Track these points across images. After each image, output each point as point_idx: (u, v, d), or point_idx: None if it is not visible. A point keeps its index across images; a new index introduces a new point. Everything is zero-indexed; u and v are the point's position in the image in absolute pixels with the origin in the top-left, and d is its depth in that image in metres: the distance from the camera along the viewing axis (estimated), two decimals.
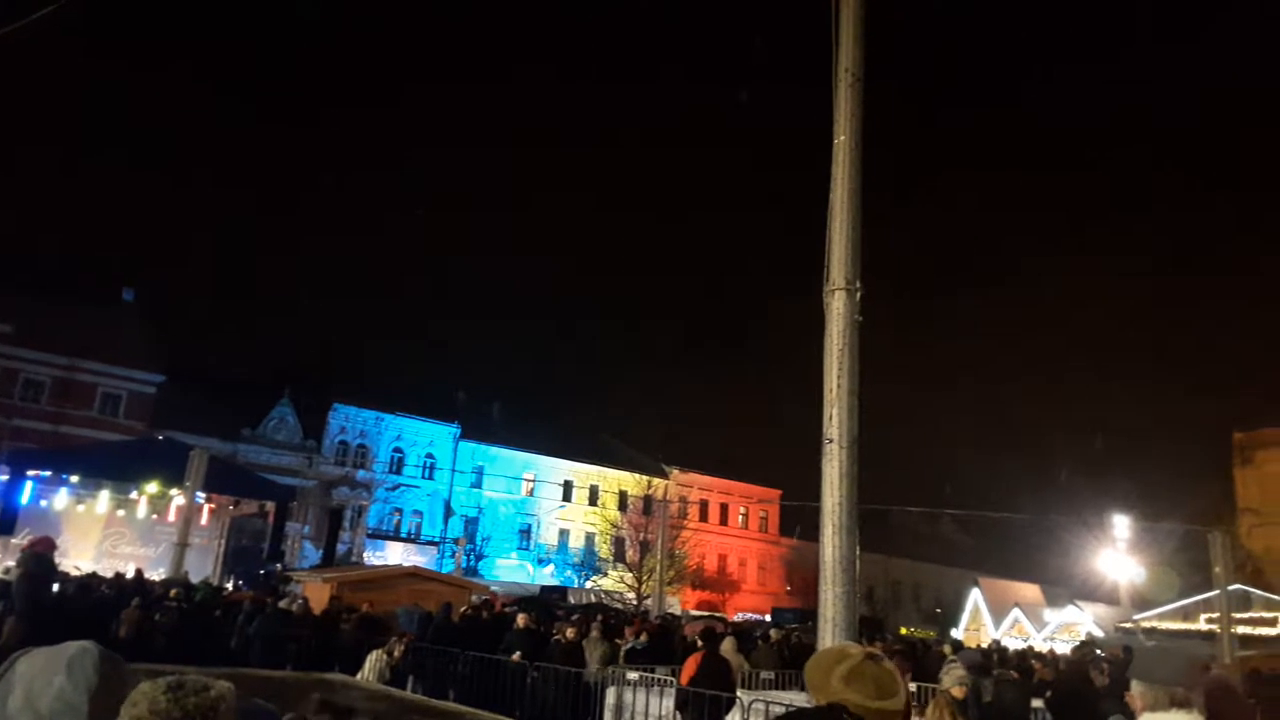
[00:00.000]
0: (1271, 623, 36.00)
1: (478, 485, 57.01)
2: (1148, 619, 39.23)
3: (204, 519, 28.57)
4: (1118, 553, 41.76)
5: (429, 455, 55.95)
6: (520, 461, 58.60)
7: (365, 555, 48.86)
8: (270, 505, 29.92)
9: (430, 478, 55.74)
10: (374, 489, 53.48)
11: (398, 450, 55.20)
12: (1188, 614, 37.71)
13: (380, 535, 52.48)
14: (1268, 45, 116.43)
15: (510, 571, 53.48)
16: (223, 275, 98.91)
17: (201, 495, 26.04)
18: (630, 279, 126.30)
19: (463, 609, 17.55)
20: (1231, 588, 29.91)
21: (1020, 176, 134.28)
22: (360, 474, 53.39)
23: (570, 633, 13.41)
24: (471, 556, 52.57)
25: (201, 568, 26.64)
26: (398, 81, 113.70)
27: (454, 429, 56.35)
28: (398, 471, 54.94)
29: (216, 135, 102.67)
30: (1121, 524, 41.15)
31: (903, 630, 49.86)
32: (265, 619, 15.08)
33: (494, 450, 57.59)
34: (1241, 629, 32.05)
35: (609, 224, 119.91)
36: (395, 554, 50.25)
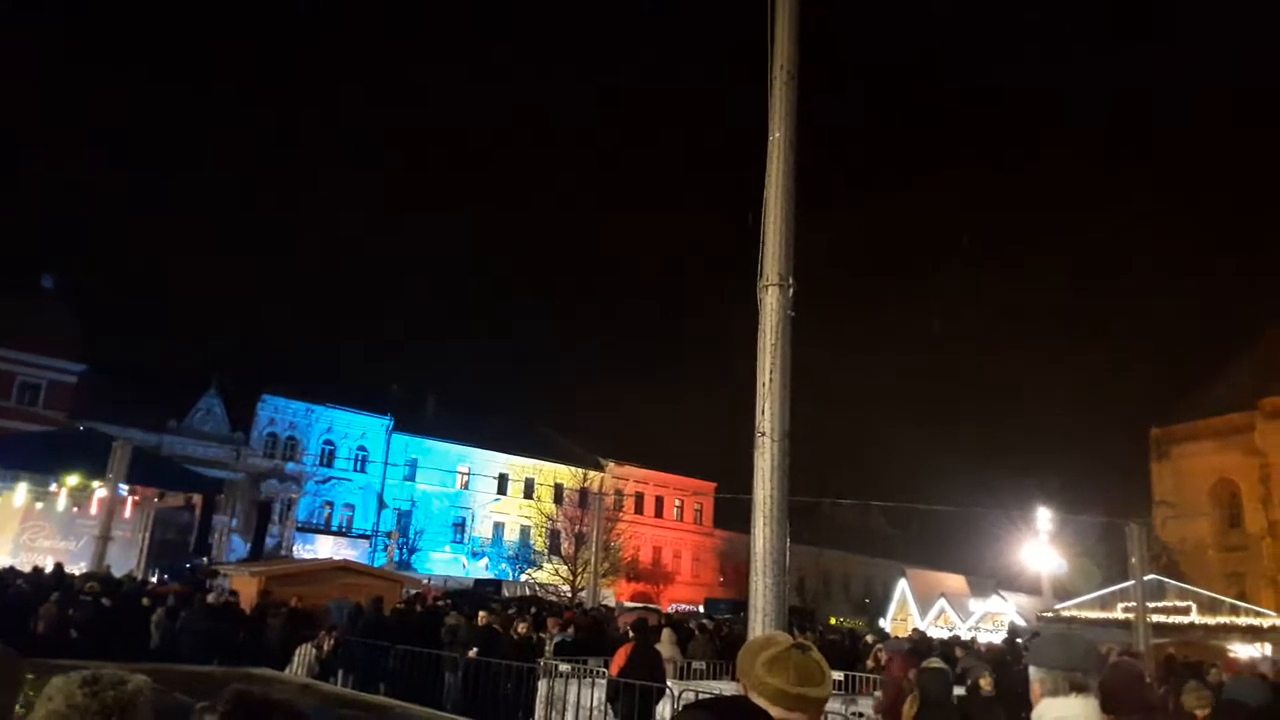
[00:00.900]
0: (1184, 611, 37.36)
1: (411, 478, 56.40)
2: (1068, 608, 40.42)
3: (127, 512, 27.77)
4: (1040, 544, 42.99)
5: (361, 448, 55.18)
6: (455, 454, 58.12)
7: (295, 549, 48.06)
8: (196, 498, 29.26)
9: (362, 470, 54.99)
10: (304, 482, 52.59)
11: (329, 443, 54.33)
12: (1105, 603, 38.94)
13: (310, 529, 51.65)
14: (1179, 45, 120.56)
15: (444, 565, 53.06)
16: (149, 263, 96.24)
17: (124, 488, 25.36)
18: (568, 274, 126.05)
19: (395, 603, 17.40)
20: (1147, 578, 30.97)
21: (946, 177, 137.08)
22: (290, 466, 52.44)
23: (522, 628, 13.32)
24: (404, 550, 52.02)
25: (124, 562, 25.92)
26: (328, 70, 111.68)
27: (387, 421, 55.65)
28: (329, 464, 54.08)
29: (144, 122, 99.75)
30: (1044, 517, 42.36)
31: (833, 620, 50.75)
32: (191, 614, 14.78)
33: (428, 443, 57.02)
34: (1156, 618, 33.19)
35: (547, 219, 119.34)
36: (326, 548, 49.55)
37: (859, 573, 72.25)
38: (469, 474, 58.75)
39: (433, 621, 15.40)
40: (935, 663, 7.24)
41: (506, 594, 36.61)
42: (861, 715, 10.55)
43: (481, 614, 14.44)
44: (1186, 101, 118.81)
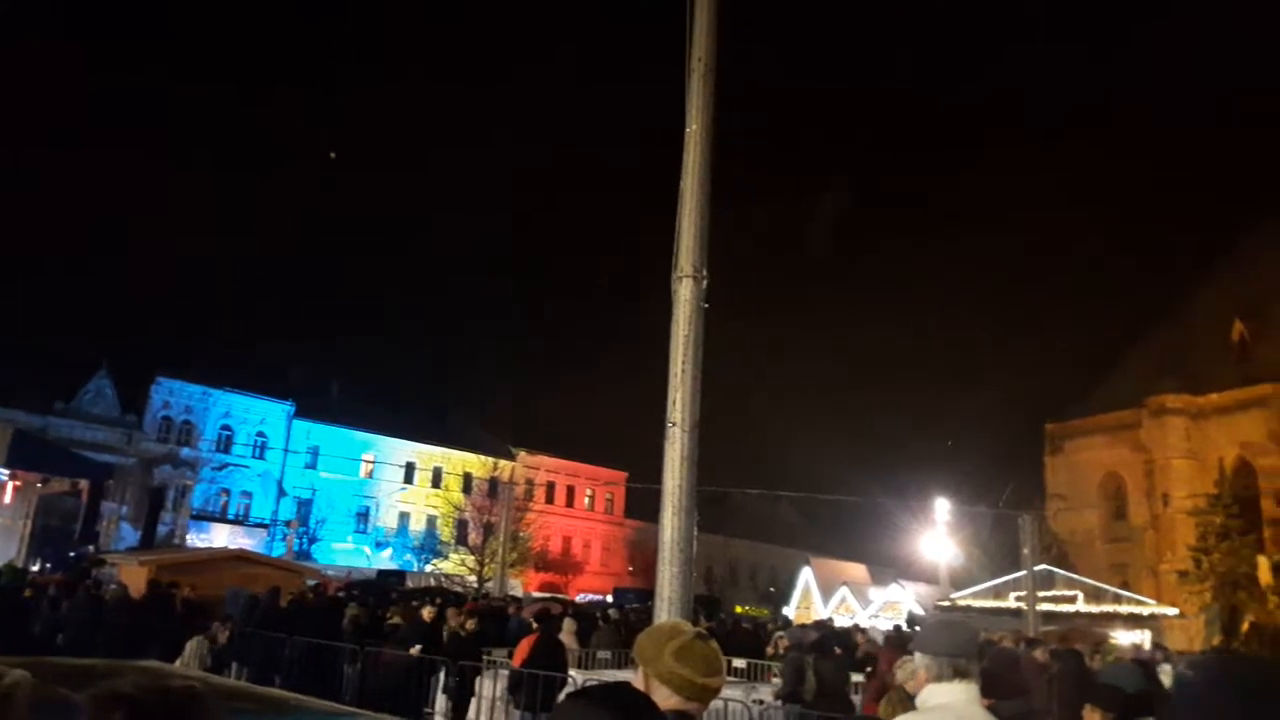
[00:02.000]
0: (1071, 600, 39.03)
1: (312, 466, 55.11)
2: (963, 597, 41.80)
3: (7, 497, 26.47)
4: (938, 535, 44.32)
5: (260, 434, 53.66)
6: (359, 441, 56.99)
7: (188, 538, 46.51)
8: (84, 483, 28.01)
9: (261, 457, 53.48)
10: (199, 468, 50.89)
11: (226, 428, 52.68)
12: (999, 593, 40.37)
13: (205, 517, 50.05)
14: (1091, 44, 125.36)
15: (346, 555, 52.02)
16: (32, 235, 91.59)
17: (4, 472, 24.19)
18: (481, 261, 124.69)
19: (292, 594, 16.94)
20: (1038, 568, 32.26)
21: (860, 177, 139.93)
22: (185, 452, 50.69)
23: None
24: (304, 539, 50.85)
25: (4, 550, 24.71)
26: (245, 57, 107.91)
27: (288, 407, 54.21)
28: (226, 450, 52.45)
29: (32, 90, 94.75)
30: (942, 507, 43.66)
31: (738, 609, 51.44)
32: (74, 604, 14.14)
33: (331, 429, 55.76)
34: (1045, 606, 34.60)
35: (458, 207, 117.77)
36: (221, 537, 48.07)
37: (765, 561, 73.43)
38: (374, 462, 57.68)
39: (332, 613, 15.05)
40: None
41: (411, 584, 36.14)
42: (762, 703, 10.66)
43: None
44: (1094, 106, 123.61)
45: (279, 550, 46.40)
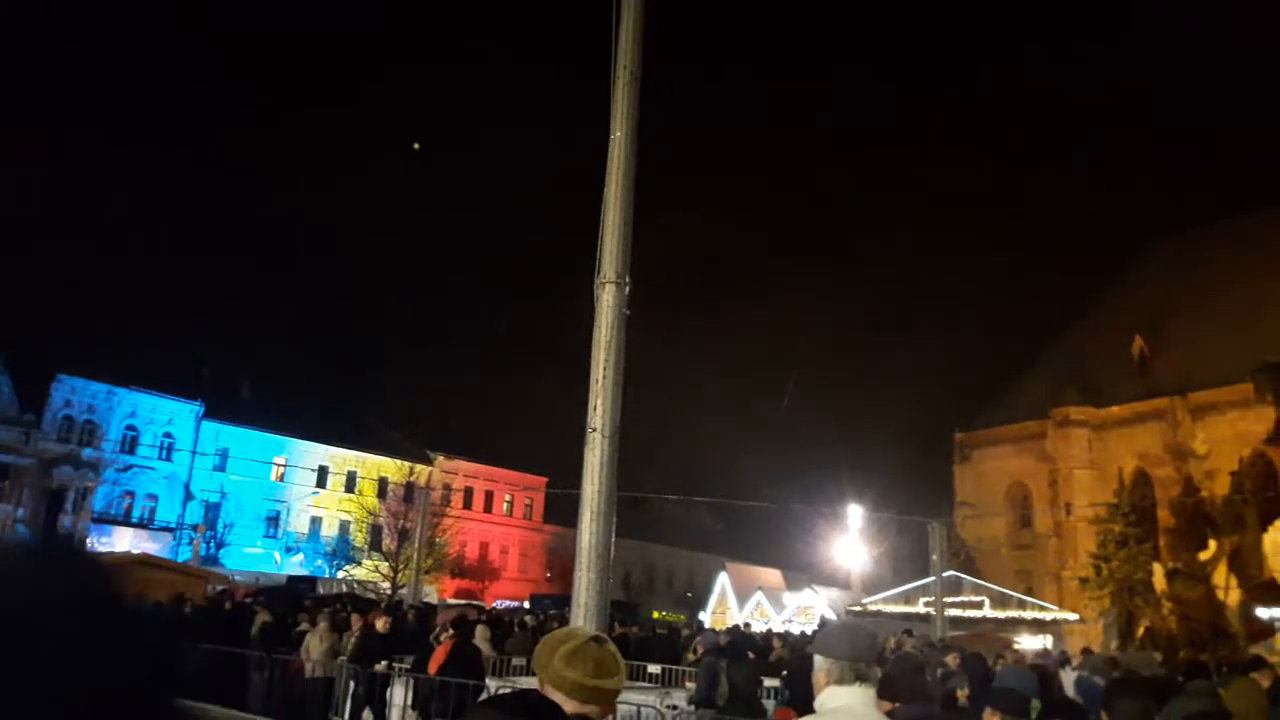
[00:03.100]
0: (978, 605, 40.15)
1: (221, 468, 53.48)
2: (874, 602, 42.65)
3: None
4: (851, 540, 45.16)
5: (167, 434, 51.88)
6: (271, 444, 55.50)
7: (89, 541, 44.67)
8: None
9: (168, 459, 51.71)
10: (102, 469, 48.93)
11: (131, 428, 50.79)
12: (908, 598, 41.31)
13: (108, 520, 48.17)
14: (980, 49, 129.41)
15: (255, 560, 50.61)
16: None
17: None
18: (403, 261, 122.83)
19: (199, 600, 16.43)
20: (946, 574, 33.11)
21: (772, 195, 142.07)
22: (87, 453, 48.67)
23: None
24: (212, 544, 49.30)
25: None
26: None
27: (196, 407, 52.53)
28: (131, 451, 50.56)
29: None
30: (855, 514, 44.51)
31: (655, 614, 51.63)
32: None
33: (241, 431, 54.22)
34: (953, 612, 35.53)
35: (382, 206, 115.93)
36: (124, 540, 46.33)
37: (683, 567, 73.75)
38: (286, 465, 56.25)
39: (239, 619, 14.64)
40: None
41: (322, 591, 35.38)
42: (675, 708, 10.70)
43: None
44: (1004, 121, 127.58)
45: (185, 555, 44.93)
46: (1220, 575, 36.06)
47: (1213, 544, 37.50)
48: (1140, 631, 36.90)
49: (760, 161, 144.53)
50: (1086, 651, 15.87)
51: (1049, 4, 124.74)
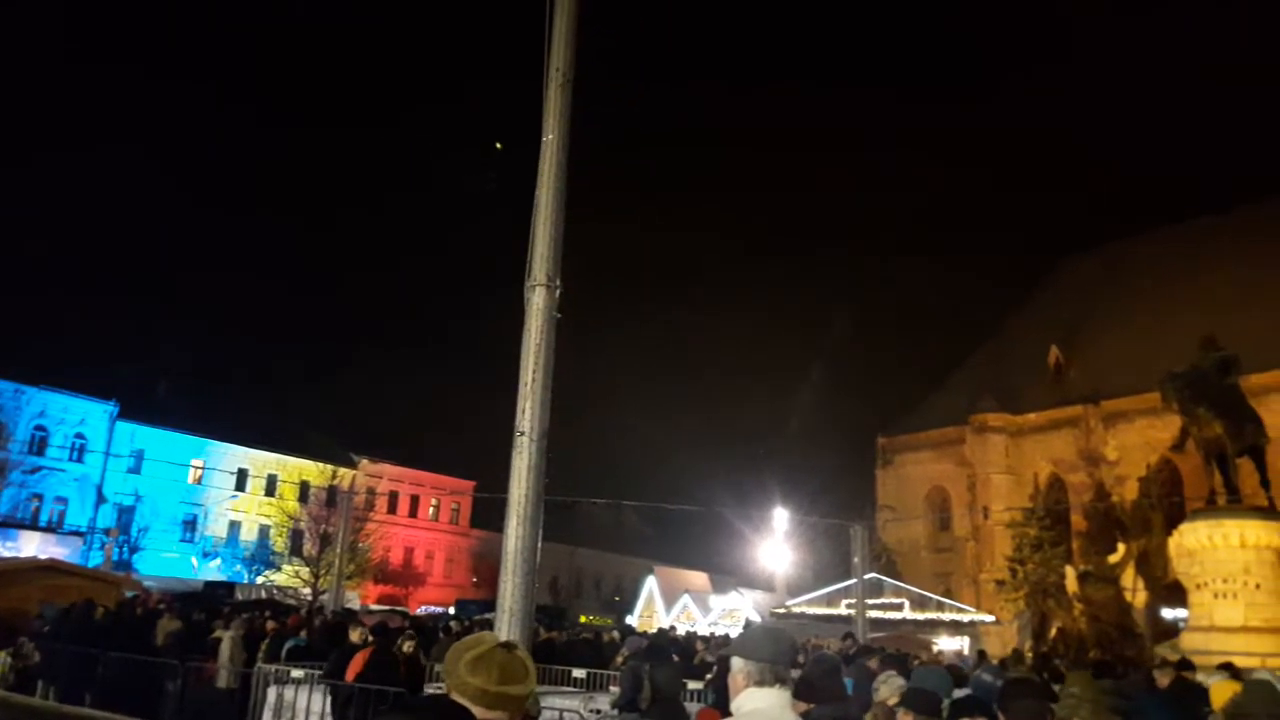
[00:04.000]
0: (898, 608, 40.91)
1: (136, 470, 51.80)
2: (798, 604, 43.18)
3: None
4: (776, 543, 45.67)
5: (79, 435, 50.06)
6: (188, 445, 53.94)
7: None
8: None
9: (79, 460, 49.90)
10: (8, 471, 46.92)
11: (41, 428, 48.86)
12: (831, 600, 41.92)
13: (13, 524, 46.24)
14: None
15: (171, 566, 49.13)
16: None
17: None
18: (329, 261, 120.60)
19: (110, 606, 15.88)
20: (867, 576, 33.68)
21: (711, 199, 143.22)
22: None
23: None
24: (124, 549, 47.71)
25: None
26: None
27: (110, 407, 50.79)
28: (39, 452, 48.63)
29: None
30: (780, 517, 45.03)
31: (583, 618, 51.53)
32: None
33: (157, 432, 52.57)
34: (874, 614, 36.15)
35: (299, 207, 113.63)
36: (31, 545, 44.54)
37: (611, 571, 73.74)
38: (204, 468, 54.72)
39: (152, 626, 14.21)
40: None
41: (240, 597, 34.50)
42: (599, 712, 10.70)
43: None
44: (930, 132, 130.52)
45: (96, 560, 43.42)
46: (1128, 577, 37.31)
47: (1121, 547, 38.75)
48: (1053, 633, 37.96)
49: (688, 167, 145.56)
50: (982, 654, 16.33)
51: (975, 26, 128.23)
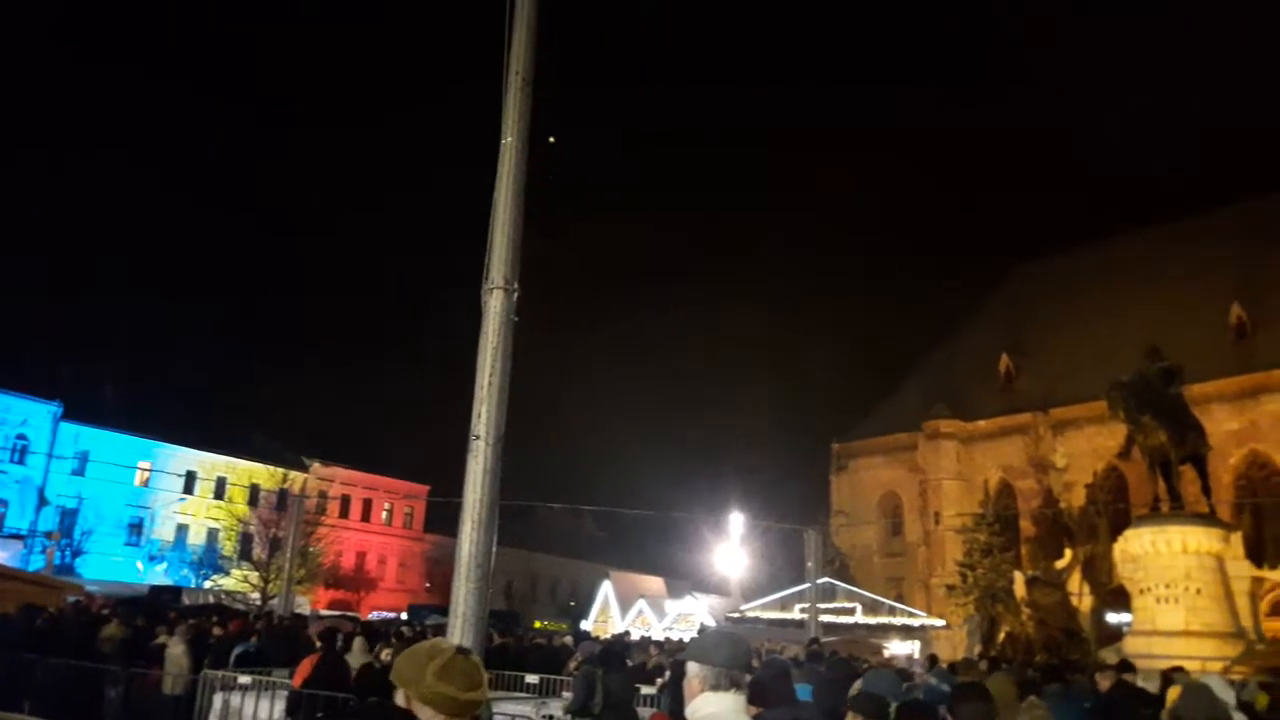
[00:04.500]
0: (851, 612, 41.26)
1: (80, 472, 50.65)
2: (752, 609, 43.38)
3: None
4: (731, 548, 45.85)
5: (21, 436, 48.80)
6: (135, 447, 52.82)
7: None
8: None
9: (21, 462, 48.65)
10: None
11: None
12: (785, 604, 42.17)
13: None
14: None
15: (116, 570, 48.05)
16: None
17: None
18: (286, 260, 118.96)
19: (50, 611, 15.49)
20: (820, 581, 33.93)
21: (670, 200, 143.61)
22: None
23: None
24: (67, 553, 46.59)
25: None
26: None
27: (54, 407, 49.60)
28: None
29: None
30: (735, 522, 45.21)
31: (537, 623, 51.29)
32: None
33: (103, 434, 51.42)
34: (826, 618, 36.43)
35: (255, 201, 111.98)
36: None
37: (567, 576, 73.54)
38: (151, 470, 53.62)
39: (95, 631, 13.88)
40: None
41: (188, 602, 33.86)
42: (552, 718, 10.67)
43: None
44: (886, 144, 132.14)
45: (37, 564, 42.32)
46: (1075, 582, 37.96)
47: (1069, 553, 39.45)
48: (1001, 637, 38.50)
49: (643, 168, 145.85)
50: (934, 659, 16.56)
51: (932, 38, 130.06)
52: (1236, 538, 25.13)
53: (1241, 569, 24.84)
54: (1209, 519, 24.83)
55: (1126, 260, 55.98)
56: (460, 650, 2.52)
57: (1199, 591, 22.97)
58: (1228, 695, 7.28)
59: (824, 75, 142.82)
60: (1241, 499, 42.34)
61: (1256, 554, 25.03)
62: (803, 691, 5.67)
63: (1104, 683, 10.82)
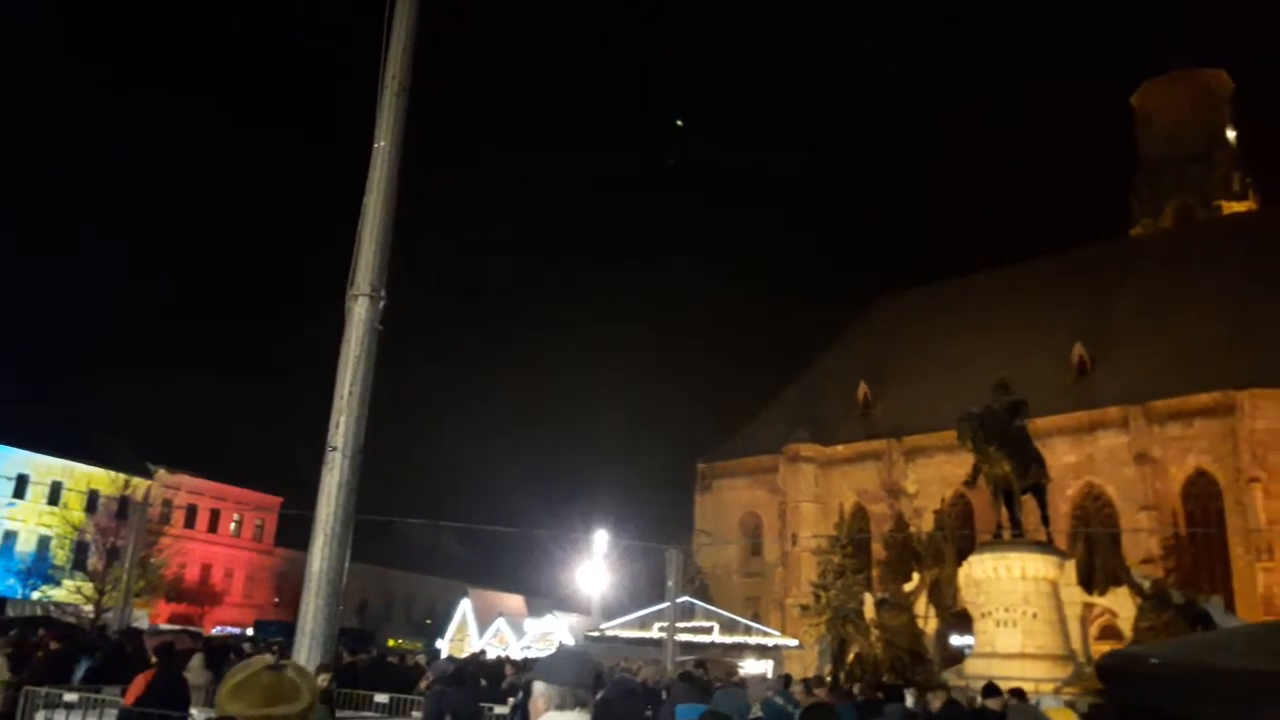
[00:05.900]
0: (708, 631, 41.70)
1: None
2: (612, 628, 43.34)
3: None
4: (593, 566, 45.77)
5: None
6: None
7: None
8: None
9: None
10: None
11: None
12: (644, 623, 42.27)
13: None
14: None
15: None
16: None
17: None
18: (135, 261, 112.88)
19: None
20: (681, 599, 34.23)
21: (539, 216, 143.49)
22: None
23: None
24: None
25: None
26: None
27: None
28: None
29: None
30: (599, 539, 45.18)
31: (391, 642, 49.91)
32: None
33: None
34: (684, 637, 36.72)
35: (124, 211, 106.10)
36: None
37: (425, 593, 71.94)
38: None
39: None
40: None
41: (12, 613, 31.54)
42: None
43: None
44: (755, 181, 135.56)
45: None
46: (921, 605, 39.42)
47: (916, 576, 40.96)
48: (850, 657, 39.63)
49: (517, 193, 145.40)
50: (788, 678, 16.91)
51: (774, 71, 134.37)
52: (1070, 565, 26.53)
53: (1074, 595, 26.21)
54: (1047, 547, 26.17)
55: (981, 295, 59.06)
56: (270, 667, 2.48)
57: (1035, 615, 24.14)
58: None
59: (723, 97, 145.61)
60: (1076, 528, 44.92)
61: (1088, 581, 26.40)
62: (692, 711, 5.64)
63: (935, 702, 11.44)
